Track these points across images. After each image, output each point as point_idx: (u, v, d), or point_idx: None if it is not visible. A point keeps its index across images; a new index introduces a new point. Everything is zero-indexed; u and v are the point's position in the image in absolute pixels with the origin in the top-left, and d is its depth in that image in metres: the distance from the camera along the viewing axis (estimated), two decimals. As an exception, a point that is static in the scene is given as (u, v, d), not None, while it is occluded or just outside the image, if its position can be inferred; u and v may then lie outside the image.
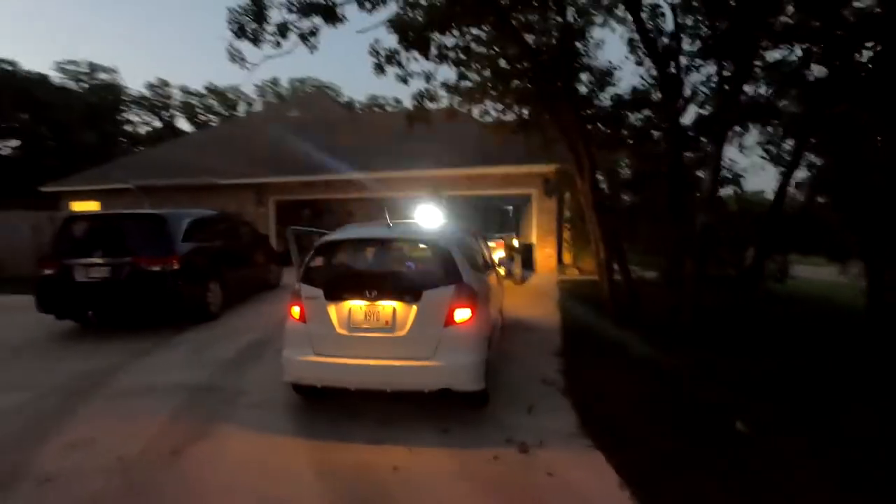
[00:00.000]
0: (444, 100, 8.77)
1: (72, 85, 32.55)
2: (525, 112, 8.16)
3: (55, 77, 31.51)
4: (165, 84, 37.63)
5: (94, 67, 33.74)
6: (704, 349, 5.68)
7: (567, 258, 13.22)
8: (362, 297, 3.75)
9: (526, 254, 12.60)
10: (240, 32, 5.12)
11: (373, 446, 3.51)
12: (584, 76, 7.28)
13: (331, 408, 4.15)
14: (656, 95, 7.07)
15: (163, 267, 6.71)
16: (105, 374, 5.09)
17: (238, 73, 76.31)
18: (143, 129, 37.09)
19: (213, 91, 40.09)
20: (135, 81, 43.28)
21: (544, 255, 13.18)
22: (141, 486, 3.05)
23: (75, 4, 63.88)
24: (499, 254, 10.17)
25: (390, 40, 7.89)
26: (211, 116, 40.05)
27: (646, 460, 3.27)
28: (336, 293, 3.79)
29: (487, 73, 7.70)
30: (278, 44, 5.22)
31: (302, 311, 3.89)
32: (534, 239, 13.20)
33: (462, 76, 8.32)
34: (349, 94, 25.70)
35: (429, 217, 5.65)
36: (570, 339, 6.38)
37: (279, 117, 20.93)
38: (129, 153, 26.97)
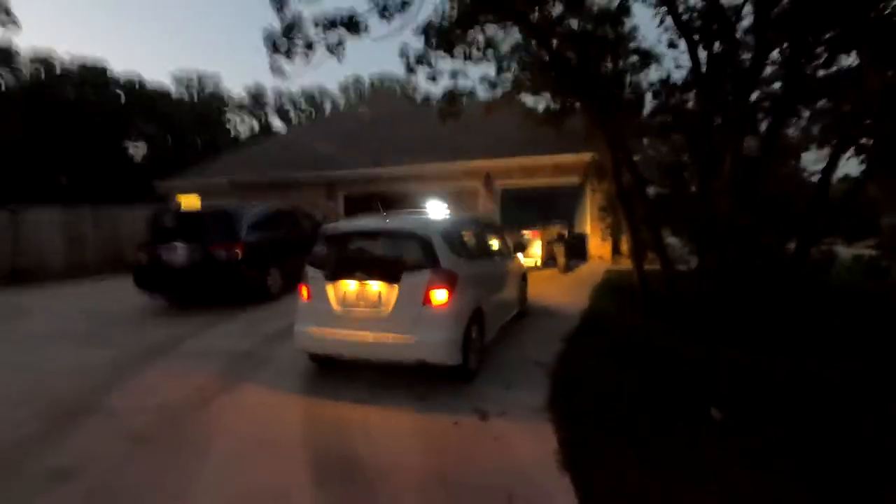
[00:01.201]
0: (481, 93, 9.08)
1: (184, 93, 36.87)
2: (558, 102, 8.24)
3: (171, 86, 35.91)
4: (262, 87, 41.24)
5: (201, 75, 37.94)
6: (722, 342, 5.56)
7: (624, 248, 12.93)
8: (354, 278, 4.34)
9: (577, 243, 12.55)
10: (273, 49, 5.93)
11: (356, 405, 4.11)
12: (610, 63, 7.21)
13: (336, 374, 4.82)
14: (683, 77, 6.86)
15: (229, 254, 7.86)
16: (175, 340, 6.22)
17: (321, 74, 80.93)
18: (243, 130, 41.06)
19: (303, 92, 43.22)
20: (236, 86, 47.48)
21: (598, 245, 13.01)
22: (172, 421, 3.91)
23: (180, 18, 71.39)
24: (535, 244, 10.30)
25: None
26: (301, 116, 43.28)
27: (592, 438, 3.48)
28: (333, 275, 4.42)
29: (515, 67, 7.89)
30: (307, 56, 5.94)
31: (308, 290, 4.58)
32: (587, 228, 13.06)
33: (500, 70, 8.62)
34: (425, 87, 26.35)
35: (436, 209, 6.09)
36: (586, 326, 6.52)
37: (352, 115, 22.31)
38: (231, 152, 30.21)
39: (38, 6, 53.74)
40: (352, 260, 4.50)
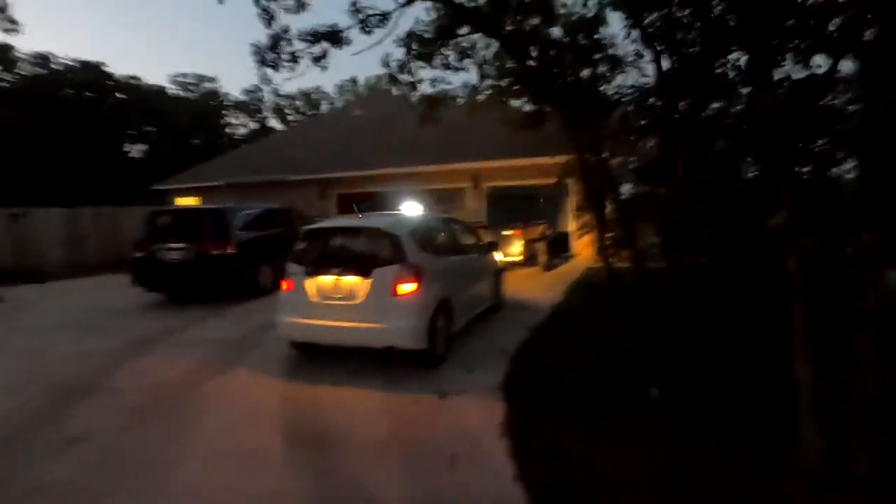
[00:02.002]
0: (464, 98, 9.54)
1: (182, 94, 37.29)
2: (534, 107, 8.70)
3: (170, 88, 36.33)
4: (259, 89, 41.65)
5: (200, 78, 38.37)
6: (681, 332, 5.97)
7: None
8: (330, 272, 4.81)
9: (561, 241, 13.02)
10: (261, 62, 6.39)
11: (332, 387, 4.58)
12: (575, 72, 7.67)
13: (318, 361, 5.28)
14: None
15: (221, 251, 8.32)
16: (171, 331, 6.68)
17: (320, 75, 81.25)
18: (241, 131, 41.52)
19: (300, 93, 43.65)
20: (233, 87, 48.01)
21: (582, 243, 13.47)
22: (166, 398, 4.38)
23: (181, 20, 71.77)
24: (516, 243, 10.76)
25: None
26: (298, 116, 43.71)
27: (536, 412, 3.95)
28: (311, 270, 4.89)
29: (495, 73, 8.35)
30: (292, 68, 6.42)
31: (289, 283, 5.04)
32: (571, 227, 13.53)
33: (482, 77, 9.10)
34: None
35: (411, 209, 6.56)
36: (554, 318, 7.00)
37: (346, 116, 22.76)
38: (227, 153, 30.68)
39: (38, 10, 54.15)
40: (328, 256, 4.97)
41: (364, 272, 4.70)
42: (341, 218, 5.64)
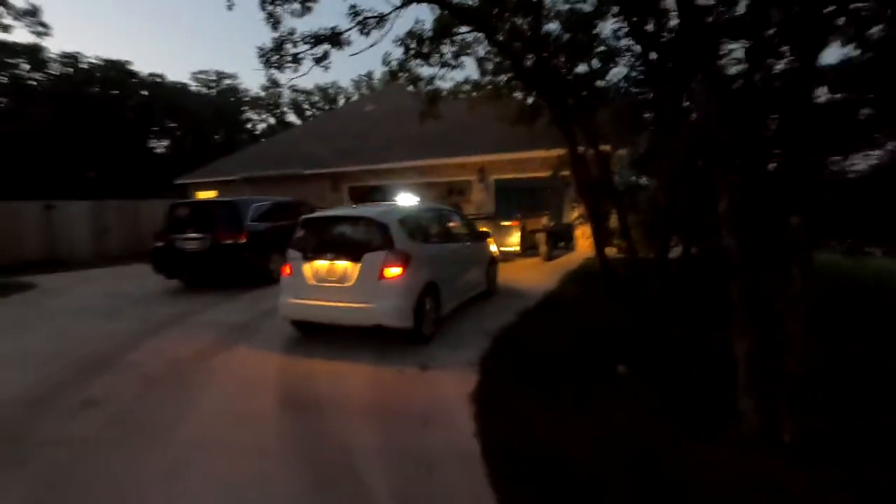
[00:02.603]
0: (464, 93, 9.86)
1: (204, 91, 38.28)
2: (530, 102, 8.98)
3: (191, 85, 37.33)
4: (276, 84, 42.34)
5: (220, 75, 39.31)
6: (665, 319, 6.23)
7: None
8: (324, 258, 5.24)
9: (564, 232, 13.27)
10: (266, 64, 6.83)
11: (324, 361, 5.02)
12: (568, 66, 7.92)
13: (316, 339, 5.74)
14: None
15: (234, 241, 8.85)
16: (185, 315, 7.23)
17: (334, 71, 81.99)
18: (259, 126, 42.43)
19: (317, 88, 44.31)
20: (252, 84, 48.94)
21: (585, 234, 13.69)
22: (178, 370, 4.88)
23: (203, 19, 73.16)
24: (515, 233, 11.08)
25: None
26: (316, 111, 44.43)
27: (507, 383, 4.32)
28: (308, 255, 5.33)
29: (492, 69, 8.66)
30: (296, 69, 6.83)
31: (289, 268, 5.49)
32: (573, 218, 13.75)
33: (483, 73, 9.42)
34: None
35: (405, 200, 6.95)
36: (544, 304, 7.33)
37: (359, 112, 23.22)
38: (245, 148, 31.52)
39: (66, 12, 55.94)
40: (323, 242, 5.40)
41: (355, 257, 5.12)
42: (337, 208, 6.04)
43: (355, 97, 44.08)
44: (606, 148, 8.53)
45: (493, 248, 8.23)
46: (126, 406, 4.10)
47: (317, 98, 44.93)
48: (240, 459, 3.22)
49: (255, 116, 42.98)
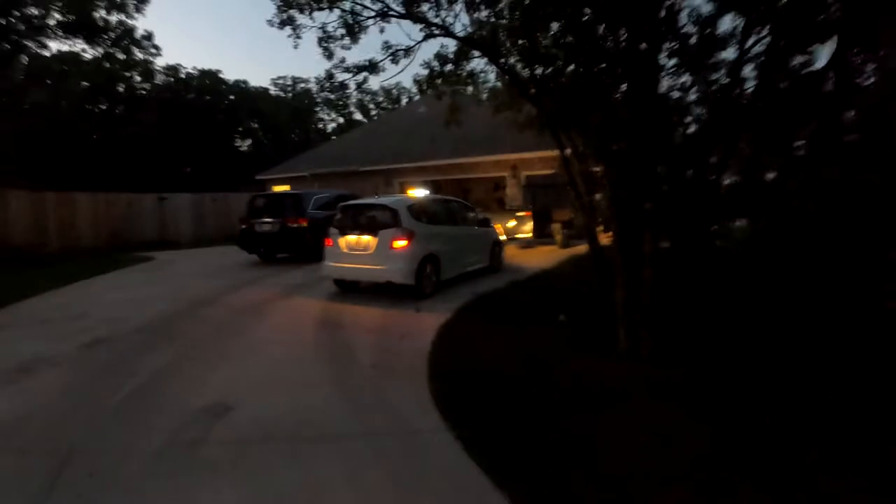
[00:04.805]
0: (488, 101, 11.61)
1: (282, 95, 42.36)
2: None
3: (271, 90, 41.49)
4: (344, 86, 45.71)
5: (296, 80, 43.27)
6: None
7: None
8: (354, 233, 7.32)
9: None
10: (321, 90, 8.94)
11: (352, 305, 7.12)
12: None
13: (352, 294, 7.87)
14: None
15: (298, 225, 11.25)
16: (261, 278, 9.67)
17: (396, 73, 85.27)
18: (330, 126, 46.12)
19: (382, 89, 47.28)
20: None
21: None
22: (253, 308, 7.18)
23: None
24: (528, 222, 12.71)
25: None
26: (380, 111, 47.46)
27: (467, 322, 6.15)
28: (342, 231, 7.44)
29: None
30: (343, 94, 8.86)
31: (329, 241, 7.64)
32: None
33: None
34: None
35: (418, 192, 8.91)
36: (534, 278, 9.01)
37: (412, 112, 25.42)
38: (314, 147, 34.92)
39: (168, 29, 63.23)
40: (353, 222, 7.50)
41: (374, 232, 7.16)
42: (365, 198, 8.13)
43: (417, 97, 46.52)
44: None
45: (497, 233, 10.00)
46: (222, 322, 6.41)
47: (381, 98, 47.97)
48: (287, 347, 5.35)
49: (325, 117, 46.86)
